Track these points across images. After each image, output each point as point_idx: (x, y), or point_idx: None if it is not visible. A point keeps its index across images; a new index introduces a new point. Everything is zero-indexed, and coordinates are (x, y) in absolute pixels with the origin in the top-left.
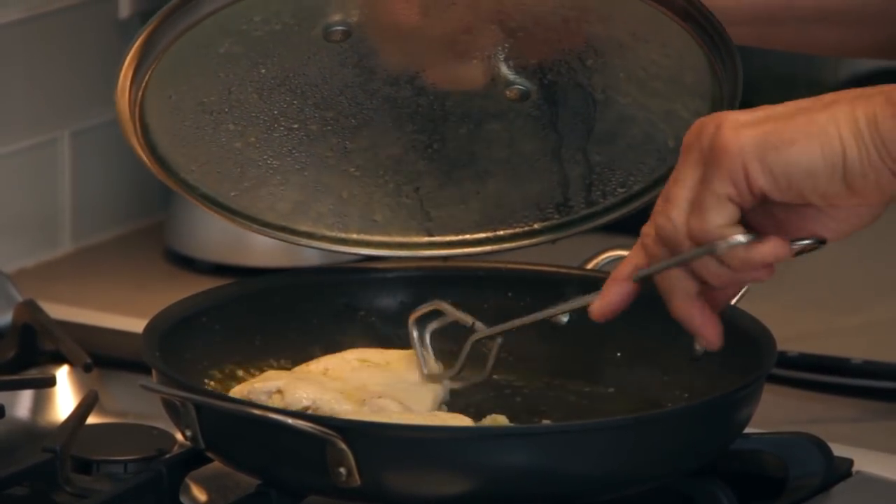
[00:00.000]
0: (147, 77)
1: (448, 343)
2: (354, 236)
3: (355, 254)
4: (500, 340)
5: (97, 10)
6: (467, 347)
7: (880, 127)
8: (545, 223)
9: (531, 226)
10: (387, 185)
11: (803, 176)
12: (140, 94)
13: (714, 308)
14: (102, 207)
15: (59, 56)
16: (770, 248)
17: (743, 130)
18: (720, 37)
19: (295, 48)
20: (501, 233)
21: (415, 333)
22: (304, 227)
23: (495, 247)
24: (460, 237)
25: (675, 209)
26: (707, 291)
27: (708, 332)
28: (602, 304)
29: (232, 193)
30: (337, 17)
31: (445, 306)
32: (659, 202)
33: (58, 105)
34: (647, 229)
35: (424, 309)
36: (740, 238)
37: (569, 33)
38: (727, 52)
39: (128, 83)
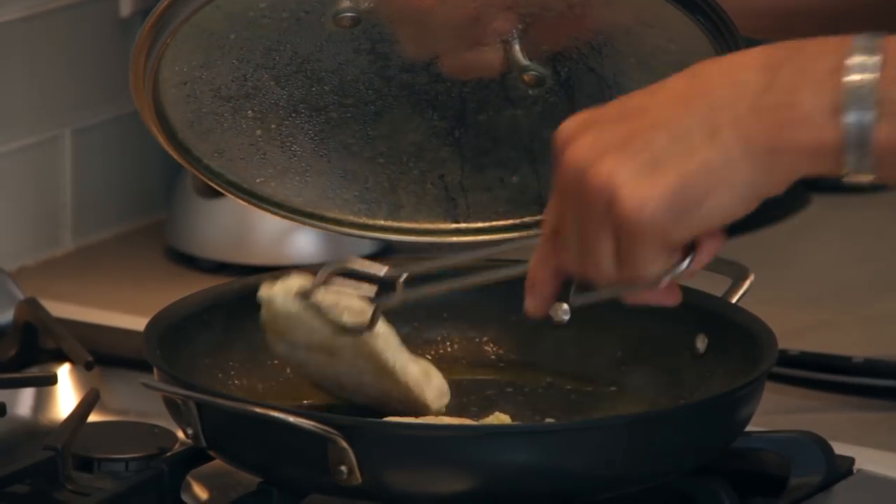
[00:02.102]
0: (160, 56)
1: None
2: (381, 223)
3: (382, 240)
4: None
5: (98, 8)
6: (378, 313)
7: (779, 152)
8: None
9: None
10: (411, 172)
11: (724, 218)
12: (153, 76)
13: None
14: (104, 205)
15: (60, 54)
16: (708, 255)
17: (646, 202)
18: (725, 25)
19: (306, 34)
20: (528, 220)
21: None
22: (331, 214)
23: (522, 234)
24: (487, 224)
25: (602, 263)
26: None
27: (665, 301)
28: (532, 302)
29: (258, 180)
30: (345, 4)
31: (358, 262)
32: (572, 251)
33: (59, 103)
34: (552, 239)
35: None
36: (682, 267)
37: (575, 18)
38: (732, 40)
39: (141, 62)
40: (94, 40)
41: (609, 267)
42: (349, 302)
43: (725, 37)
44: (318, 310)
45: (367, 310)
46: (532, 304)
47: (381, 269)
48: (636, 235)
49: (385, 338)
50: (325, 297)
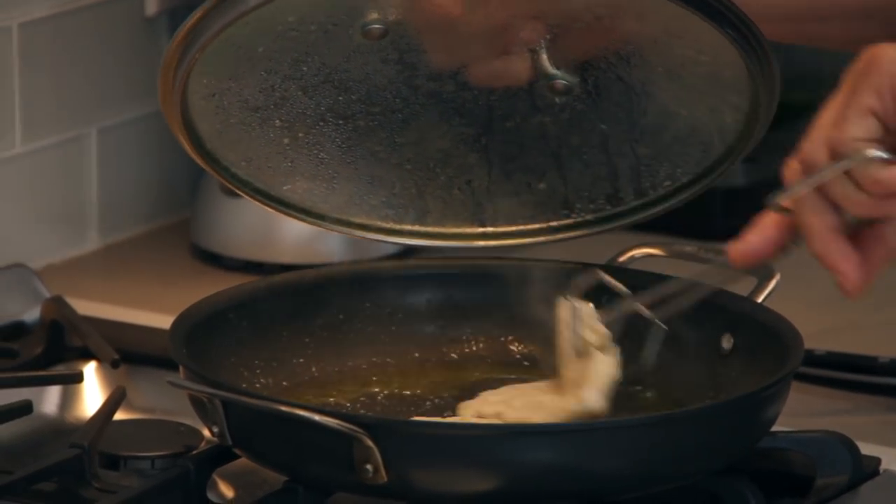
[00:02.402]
0: (189, 70)
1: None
2: (408, 227)
3: (409, 245)
4: (663, 329)
5: (124, 7)
6: (619, 316)
7: None
8: (597, 214)
9: (584, 217)
10: (438, 177)
11: None
12: (181, 89)
13: (871, 262)
14: (130, 204)
15: (86, 53)
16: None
17: None
18: (754, 37)
19: (334, 46)
20: (555, 224)
21: (566, 310)
22: (358, 219)
23: (549, 237)
24: (514, 228)
25: (816, 129)
26: (863, 241)
27: (846, 268)
28: (738, 244)
29: (285, 187)
30: (373, 16)
31: (603, 275)
32: (808, 131)
33: (85, 102)
34: (790, 162)
35: (585, 281)
36: (874, 152)
37: (603, 30)
38: (762, 53)
39: (170, 76)
40: (120, 39)
41: (821, 129)
42: (592, 322)
43: (755, 48)
44: (572, 319)
45: (603, 332)
46: (738, 245)
47: (623, 290)
48: (871, 69)
49: (607, 364)
50: (581, 309)
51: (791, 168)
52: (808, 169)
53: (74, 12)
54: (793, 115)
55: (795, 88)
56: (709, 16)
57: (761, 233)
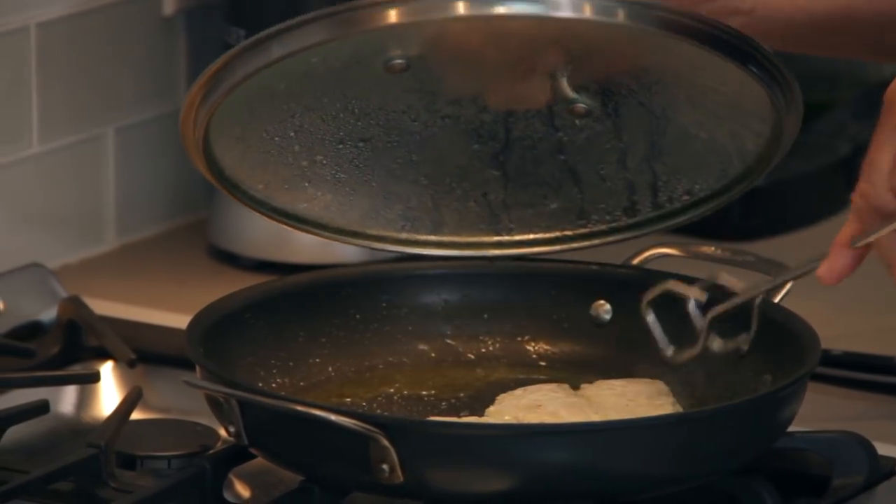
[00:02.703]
0: (211, 111)
1: None
2: (423, 238)
3: (424, 255)
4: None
5: (142, 6)
6: (705, 325)
7: None
8: (613, 224)
9: (599, 227)
10: (454, 191)
11: None
12: (203, 127)
13: None
14: (147, 204)
15: (103, 52)
16: None
17: None
18: (778, 70)
19: (356, 80)
20: (570, 233)
21: (650, 318)
22: (374, 232)
23: (564, 246)
24: (529, 237)
25: (876, 172)
26: None
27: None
28: (829, 268)
29: (302, 206)
30: (396, 52)
31: (678, 284)
32: (864, 167)
33: (103, 101)
34: (857, 196)
35: (658, 290)
36: None
37: (625, 63)
38: (785, 85)
39: (191, 120)
40: (138, 39)
41: (882, 172)
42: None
43: (779, 81)
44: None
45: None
46: (825, 268)
47: (702, 295)
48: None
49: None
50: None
51: (860, 204)
52: (881, 213)
53: (92, 12)
54: (811, 115)
55: (812, 89)
56: (732, 57)
57: (844, 253)
